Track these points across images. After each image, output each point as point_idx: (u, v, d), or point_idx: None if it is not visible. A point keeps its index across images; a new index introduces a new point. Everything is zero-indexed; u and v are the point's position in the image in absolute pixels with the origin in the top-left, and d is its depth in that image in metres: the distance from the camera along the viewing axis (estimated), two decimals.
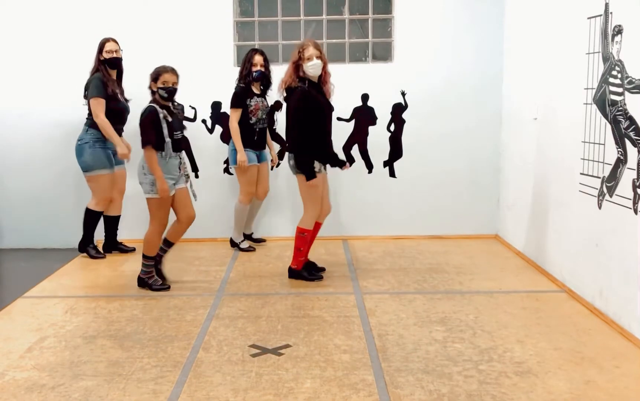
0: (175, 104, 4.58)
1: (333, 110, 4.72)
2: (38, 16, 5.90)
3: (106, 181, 5.40)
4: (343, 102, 5.65)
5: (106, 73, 5.33)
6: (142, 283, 4.64)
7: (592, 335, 3.71)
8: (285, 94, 4.60)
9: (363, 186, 6.05)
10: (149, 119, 4.36)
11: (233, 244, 5.74)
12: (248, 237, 5.84)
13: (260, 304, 4.30)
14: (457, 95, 5.96)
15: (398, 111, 5.98)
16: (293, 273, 4.81)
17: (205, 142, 6.04)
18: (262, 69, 5.39)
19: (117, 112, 5.36)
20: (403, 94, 5.93)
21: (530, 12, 5.27)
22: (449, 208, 6.11)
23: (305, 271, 4.80)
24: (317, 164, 4.53)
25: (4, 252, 6.02)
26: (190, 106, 5.95)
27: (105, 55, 5.32)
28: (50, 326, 3.97)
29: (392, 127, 6.01)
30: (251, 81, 5.38)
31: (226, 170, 6.04)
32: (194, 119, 5.98)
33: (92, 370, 3.33)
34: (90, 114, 5.33)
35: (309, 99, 4.47)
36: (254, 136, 5.45)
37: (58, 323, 4.02)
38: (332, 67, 5.45)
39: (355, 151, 6.04)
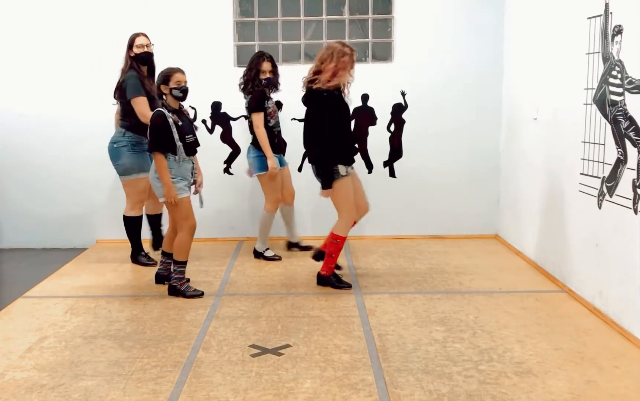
0: (184, 108, 4.54)
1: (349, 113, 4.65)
2: (38, 16, 5.90)
3: (143, 185, 5.16)
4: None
5: (139, 70, 5.06)
6: (174, 291, 4.46)
7: (592, 335, 3.71)
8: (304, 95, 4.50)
9: (363, 186, 6.04)
10: (157, 125, 4.28)
11: (257, 254, 5.46)
12: (295, 245, 5.66)
13: (260, 304, 4.30)
14: (457, 95, 5.96)
15: (398, 111, 5.99)
16: (321, 280, 4.66)
17: (205, 143, 5.97)
18: (271, 76, 5.23)
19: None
20: (403, 94, 5.93)
21: (530, 12, 5.27)
22: (449, 208, 6.11)
23: (334, 277, 4.65)
24: (342, 168, 4.42)
25: (4, 252, 6.02)
26: (190, 106, 5.95)
27: (136, 51, 5.05)
28: (50, 326, 3.97)
29: (392, 128, 6.01)
30: (260, 87, 5.20)
31: (226, 170, 6.03)
32: (194, 119, 5.98)
33: (92, 370, 3.33)
34: (124, 115, 5.10)
35: (333, 104, 4.39)
36: (274, 139, 5.29)
37: (58, 323, 4.02)
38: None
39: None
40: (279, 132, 5.40)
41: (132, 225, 5.28)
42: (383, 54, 6.07)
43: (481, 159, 6.06)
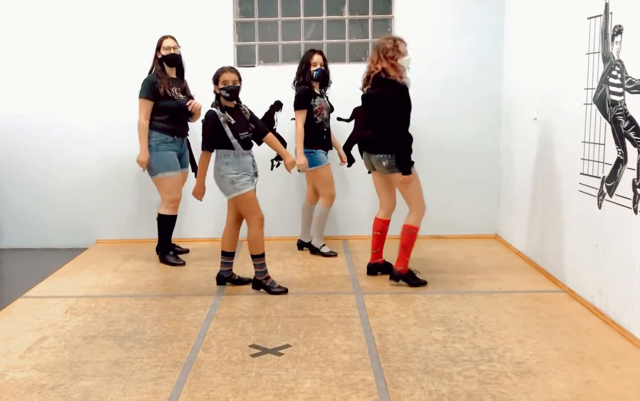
0: (242, 106, 4.53)
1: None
2: (37, 16, 5.90)
3: (172, 183, 5.22)
4: (343, 102, 5.63)
5: (161, 72, 5.18)
6: (259, 285, 4.56)
7: (592, 335, 3.71)
8: (370, 86, 4.53)
9: (363, 186, 6.04)
10: (207, 124, 4.38)
11: (314, 250, 5.53)
12: (306, 245, 5.66)
13: (260, 304, 4.30)
14: (457, 95, 5.97)
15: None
16: (397, 276, 4.64)
17: None
18: (322, 68, 5.25)
19: (171, 112, 5.18)
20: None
21: (530, 12, 5.27)
22: (449, 207, 6.11)
23: (410, 274, 4.64)
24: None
25: (4, 252, 6.03)
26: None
27: (163, 53, 5.18)
28: (50, 326, 3.97)
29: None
30: (310, 80, 5.23)
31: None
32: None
33: (92, 370, 3.33)
34: (151, 116, 5.19)
35: (408, 94, 4.43)
36: (323, 135, 5.31)
37: (58, 323, 4.02)
38: (332, 68, 5.49)
39: (355, 150, 6.03)
40: (328, 129, 5.37)
41: (163, 223, 5.34)
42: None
43: (481, 159, 6.06)
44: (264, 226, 4.49)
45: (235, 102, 4.48)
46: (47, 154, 6.02)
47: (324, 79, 5.33)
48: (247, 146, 4.46)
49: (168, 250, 5.41)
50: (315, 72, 5.22)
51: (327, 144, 5.41)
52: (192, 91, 5.45)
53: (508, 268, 5.11)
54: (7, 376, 3.28)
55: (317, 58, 5.24)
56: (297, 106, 5.23)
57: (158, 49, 5.23)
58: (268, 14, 6.04)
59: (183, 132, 5.30)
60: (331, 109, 5.45)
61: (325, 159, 5.36)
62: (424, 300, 4.34)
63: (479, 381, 3.14)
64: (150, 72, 5.25)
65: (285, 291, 4.51)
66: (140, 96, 5.15)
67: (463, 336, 3.70)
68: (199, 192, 4.49)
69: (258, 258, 4.52)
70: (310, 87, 5.27)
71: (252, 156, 4.52)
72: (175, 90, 5.23)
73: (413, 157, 4.50)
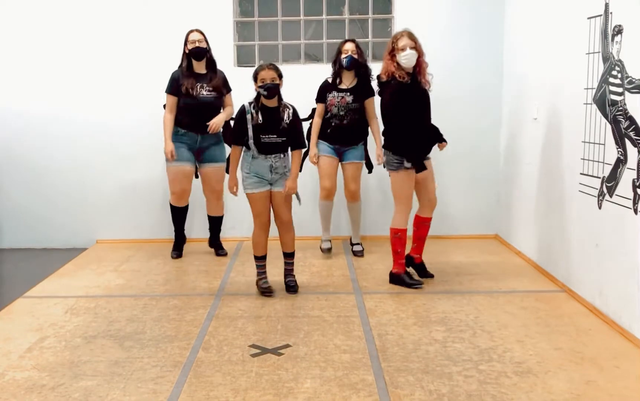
0: (288, 109, 4.37)
1: (428, 101, 4.58)
2: (38, 15, 5.91)
3: (172, 174, 5.29)
4: None
5: (185, 67, 5.20)
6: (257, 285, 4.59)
7: (592, 335, 3.71)
8: (378, 88, 4.59)
9: (363, 186, 6.04)
10: (236, 117, 4.41)
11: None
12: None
13: (260, 304, 4.30)
14: (457, 95, 5.96)
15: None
16: (393, 278, 4.66)
17: None
18: (353, 55, 5.12)
19: (191, 109, 5.17)
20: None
21: (530, 12, 5.27)
22: (449, 207, 6.10)
23: (407, 275, 4.65)
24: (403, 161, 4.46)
25: (4, 252, 6.02)
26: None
27: (190, 46, 5.17)
28: (50, 326, 3.97)
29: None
30: (340, 69, 5.18)
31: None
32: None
33: (92, 370, 3.33)
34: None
35: (397, 94, 4.42)
36: (327, 129, 5.30)
37: (58, 323, 4.02)
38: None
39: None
40: (336, 125, 5.28)
41: (171, 212, 5.50)
42: (383, 53, 6.06)
43: (481, 159, 6.06)
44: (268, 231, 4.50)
45: (279, 102, 4.35)
46: (47, 154, 6.02)
47: (358, 67, 5.21)
48: (267, 149, 4.30)
49: (174, 246, 5.54)
50: (345, 60, 5.14)
51: (334, 139, 5.32)
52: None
53: (508, 268, 5.11)
54: (7, 376, 3.28)
55: (348, 46, 5.17)
56: (316, 99, 5.33)
57: (185, 43, 5.22)
58: (268, 14, 6.04)
59: (198, 128, 5.21)
60: (350, 103, 5.26)
61: (325, 150, 5.33)
62: (424, 300, 4.34)
63: (479, 381, 3.14)
64: (180, 66, 5.26)
65: (269, 293, 4.47)
66: (166, 91, 5.21)
67: (463, 336, 3.70)
68: (230, 186, 4.46)
69: (255, 259, 4.54)
70: (334, 80, 5.24)
71: (275, 162, 4.34)
72: (200, 87, 5.19)
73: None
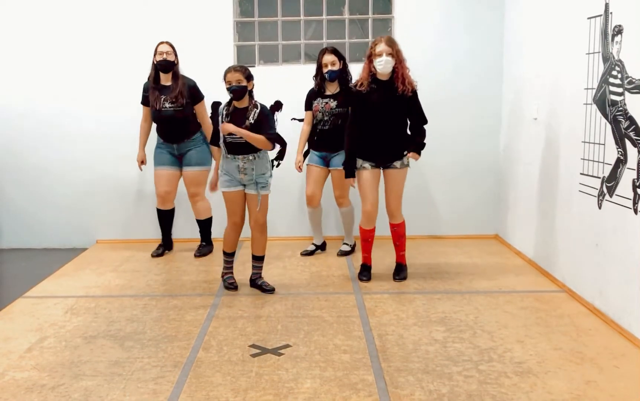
0: (256, 108, 4.35)
1: (401, 107, 4.58)
2: (38, 15, 5.91)
3: (156, 177, 5.50)
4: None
5: (152, 78, 5.31)
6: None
7: (592, 335, 3.72)
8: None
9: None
10: (212, 118, 4.53)
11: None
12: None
13: (260, 304, 4.30)
14: (457, 95, 5.96)
15: None
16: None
17: None
18: (334, 68, 5.11)
19: (157, 120, 5.38)
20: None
21: (530, 12, 5.27)
22: (449, 207, 6.11)
23: (363, 267, 4.86)
24: (359, 162, 4.61)
25: (4, 252, 6.03)
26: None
27: (157, 58, 5.24)
28: (50, 326, 3.97)
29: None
30: (322, 81, 5.22)
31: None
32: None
33: (92, 370, 3.33)
34: None
35: (351, 100, 4.65)
36: (314, 136, 5.34)
37: (58, 323, 4.02)
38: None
39: None
40: (321, 130, 5.28)
41: (157, 216, 5.65)
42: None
43: (481, 159, 6.06)
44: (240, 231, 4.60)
45: (251, 102, 4.37)
46: (48, 154, 6.02)
47: (342, 77, 5.22)
48: (233, 150, 4.34)
49: (163, 243, 5.66)
50: (327, 75, 5.16)
51: (321, 145, 5.32)
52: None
53: (508, 268, 5.12)
54: (7, 376, 3.28)
55: (327, 58, 5.15)
56: (304, 108, 5.37)
57: (155, 54, 5.29)
58: (268, 14, 6.04)
59: (171, 138, 5.39)
60: (334, 108, 5.23)
61: (313, 159, 5.37)
62: (424, 300, 4.34)
63: (479, 381, 3.14)
64: (148, 77, 5.39)
65: (233, 287, 4.59)
66: (140, 102, 5.50)
67: (463, 336, 3.70)
68: (210, 185, 4.64)
69: (224, 254, 4.66)
70: (318, 88, 5.27)
71: (244, 164, 4.36)
72: (163, 99, 5.27)
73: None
